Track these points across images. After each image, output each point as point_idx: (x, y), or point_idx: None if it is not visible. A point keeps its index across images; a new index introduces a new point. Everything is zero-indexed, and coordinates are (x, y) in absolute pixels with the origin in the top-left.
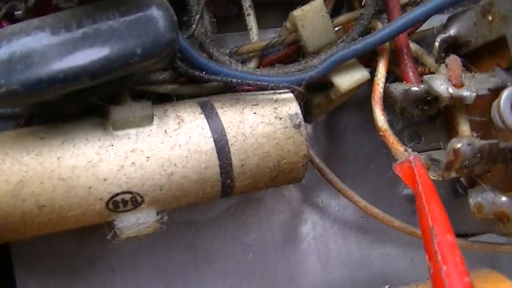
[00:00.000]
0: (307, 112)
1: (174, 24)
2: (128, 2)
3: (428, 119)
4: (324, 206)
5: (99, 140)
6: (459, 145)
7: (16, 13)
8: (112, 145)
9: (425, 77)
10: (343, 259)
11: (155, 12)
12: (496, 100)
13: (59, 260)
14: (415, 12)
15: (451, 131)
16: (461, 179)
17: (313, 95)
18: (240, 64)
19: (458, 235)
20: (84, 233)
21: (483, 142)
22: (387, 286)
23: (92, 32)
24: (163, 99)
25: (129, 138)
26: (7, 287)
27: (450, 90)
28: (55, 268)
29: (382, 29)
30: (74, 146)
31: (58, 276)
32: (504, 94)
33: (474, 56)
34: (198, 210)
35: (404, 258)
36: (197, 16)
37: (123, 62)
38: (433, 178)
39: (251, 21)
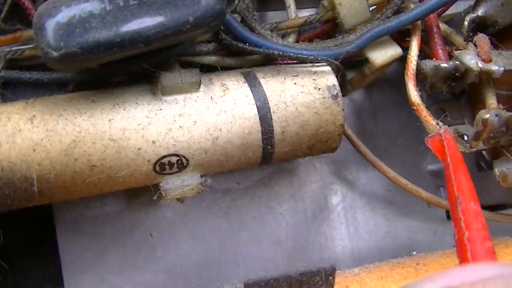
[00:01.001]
0: (342, 86)
1: None
2: None
3: (453, 96)
4: (353, 179)
5: (149, 104)
6: (487, 116)
7: None
8: (161, 109)
9: (456, 52)
10: (370, 230)
11: None
12: None
13: (100, 224)
14: None
15: (475, 108)
16: (483, 153)
17: (347, 72)
18: (280, 39)
19: (482, 207)
20: (125, 199)
21: (509, 113)
22: (414, 252)
23: (148, 0)
24: (207, 71)
25: (177, 103)
26: (49, 248)
27: (480, 64)
28: (96, 231)
29: (415, 8)
30: (124, 110)
31: (98, 239)
32: None
33: (500, 36)
34: (234, 180)
35: (428, 230)
36: None
37: (176, 29)
38: (461, 149)
39: None
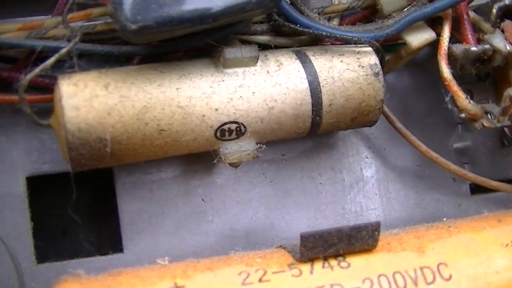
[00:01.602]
0: (381, 66)
1: None
2: None
3: (479, 79)
4: (386, 154)
5: (212, 75)
6: None
7: None
8: (223, 80)
9: (486, 36)
10: (401, 201)
11: None
12: None
13: (156, 189)
14: None
15: (500, 89)
16: (506, 130)
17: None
18: (326, 21)
19: (506, 180)
20: (180, 166)
21: None
22: (445, 219)
23: None
24: (261, 49)
25: (237, 75)
26: (110, 209)
27: (508, 47)
28: (153, 195)
29: None
30: (190, 80)
31: (155, 202)
32: None
33: None
34: (279, 151)
35: (453, 204)
36: None
37: (240, 7)
38: (487, 125)
39: None
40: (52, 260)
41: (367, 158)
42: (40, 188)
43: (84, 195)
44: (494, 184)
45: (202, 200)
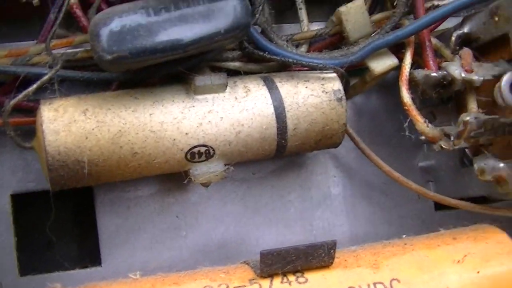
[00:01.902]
0: (346, 91)
1: (249, 10)
2: None
3: (441, 102)
4: (353, 172)
5: (183, 102)
6: (468, 118)
7: None
8: (194, 106)
9: (443, 63)
10: (367, 217)
11: (235, 1)
12: (498, 83)
13: (133, 206)
14: (436, 13)
15: (460, 112)
16: (466, 151)
17: (350, 79)
18: (294, 48)
19: (466, 198)
20: (155, 185)
21: (487, 117)
22: (404, 236)
23: (186, 13)
24: (231, 75)
25: (207, 101)
26: (90, 225)
27: (463, 74)
28: (130, 212)
29: (410, 25)
30: (163, 106)
31: (132, 219)
32: (505, 78)
33: (482, 50)
34: (250, 170)
35: (417, 219)
36: (260, 7)
37: (209, 38)
38: (445, 147)
39: (303, 14)
40: (35, 273)
41: (335, 176)
42: (25, 204)
43: (66, 212)
44: (454, 202)
45: (177, 216)
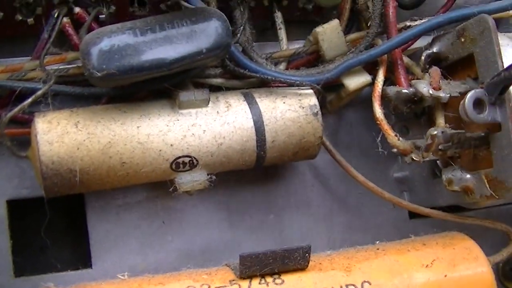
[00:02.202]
0: (322, 106)
1: (229, 31)
2: (197, 14)
3: (415, 116)
4: (330, 182)
5: (168, 115)
6: (435, 132)
7: (100, 16)
8: (178, 120)
9: (413, 81)
10: (345, 225)
11: (216, 22)
12: (462, 100)
13: (122, 212)
14: (408, 33)
15: (432, 126)
16: (438, 163)
17: (327, 94)
18: (273, 66)
19: (437, 207)
20: (143, 192)
21: (453, 131)
22: (377, 242)
23: (171, 34)
24: (214, 90)
25: (190, 115)
26: (80, 230)
27: (430, 92)
28: (119, 218)
29: (382, 44)
30: (149, 119)
31: (121, 224)
32: (468, 95)
33: (451, 68)
34: (233, 179)
35: (393, 228)
36: (241, 28)
37: (192, 57)
38: (416, 159)
39: (282, 34)
40: (29, 274)
41: (313, 186)
42: (20, 210)
43: (58, 217)
44: (426, 211)
45: (163, 222)
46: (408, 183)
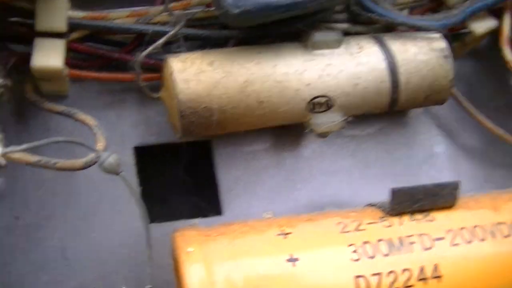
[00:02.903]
0: None
1: None
2: None
3: None
4: (455, 132)
5: (302, 56)
6: None
7: None
8: (313, 59)
9: None
10: (470, 175)
11: None
12: None
13: (250, 159)
14: None
15: None
16: None
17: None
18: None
19: None
20: (270, 140)
21: None
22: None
23: None
24: None
25: (324, 56)
26: (205, 178)
27: None
28: (247, 165)
29: None
30: (285, 59)
31: (249, 171)
32: None
33: None
34: (359, 128)
35: None
36: None
37: None
38: None
39: None
40: (160, 221)
41: (438, 136)
42: (146, 157)
43: (186, 165)
44: None
45: (291, 170)
46: None
